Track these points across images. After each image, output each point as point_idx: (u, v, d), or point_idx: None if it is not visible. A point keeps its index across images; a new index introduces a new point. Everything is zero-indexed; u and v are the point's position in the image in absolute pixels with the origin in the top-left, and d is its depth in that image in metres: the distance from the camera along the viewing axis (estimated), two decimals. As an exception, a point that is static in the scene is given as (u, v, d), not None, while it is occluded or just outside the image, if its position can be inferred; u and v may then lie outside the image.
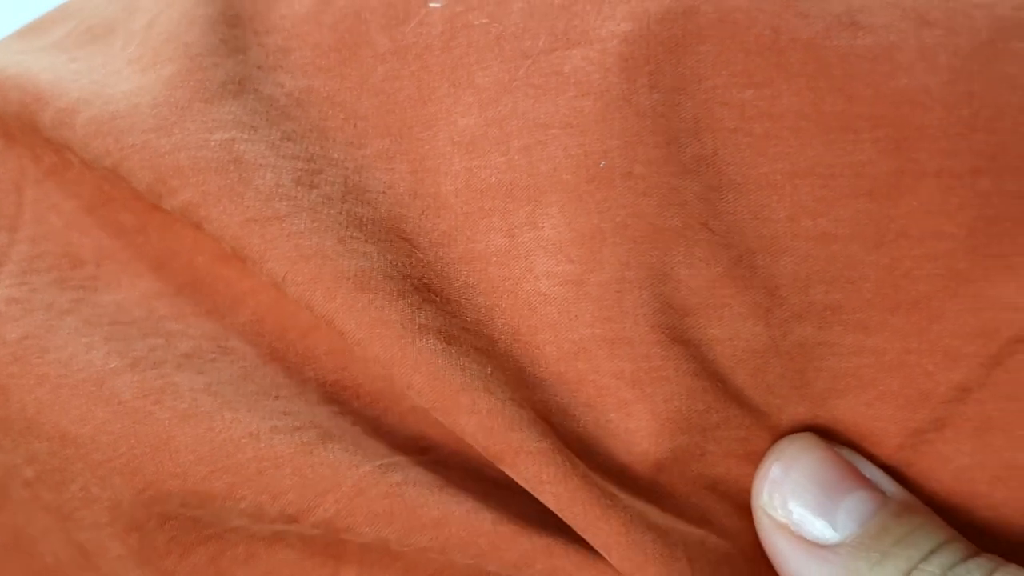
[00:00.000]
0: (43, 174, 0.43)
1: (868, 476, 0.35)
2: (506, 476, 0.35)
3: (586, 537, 0.33)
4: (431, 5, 0.39)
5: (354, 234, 0.37)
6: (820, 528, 0.33)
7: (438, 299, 0.36)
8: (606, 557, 0.33)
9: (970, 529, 0.35)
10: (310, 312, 0.35)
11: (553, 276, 0.35)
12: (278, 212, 0.36)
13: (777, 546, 0.34)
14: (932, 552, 0.32)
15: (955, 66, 0.33)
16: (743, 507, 0.37)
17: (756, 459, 0.36)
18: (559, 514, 0.33)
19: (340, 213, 0.37)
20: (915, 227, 0.34)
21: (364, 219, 0.37)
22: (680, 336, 0.35)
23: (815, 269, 0.35)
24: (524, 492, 0.34)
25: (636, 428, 0.35)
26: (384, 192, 0.38)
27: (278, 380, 0.39)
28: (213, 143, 0.37)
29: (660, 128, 0.35)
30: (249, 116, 0.39)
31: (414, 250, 0.37)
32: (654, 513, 0.35)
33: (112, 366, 0.37)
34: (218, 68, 0.40)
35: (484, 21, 0.38)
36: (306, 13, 0.41)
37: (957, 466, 0.35)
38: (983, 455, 0.35)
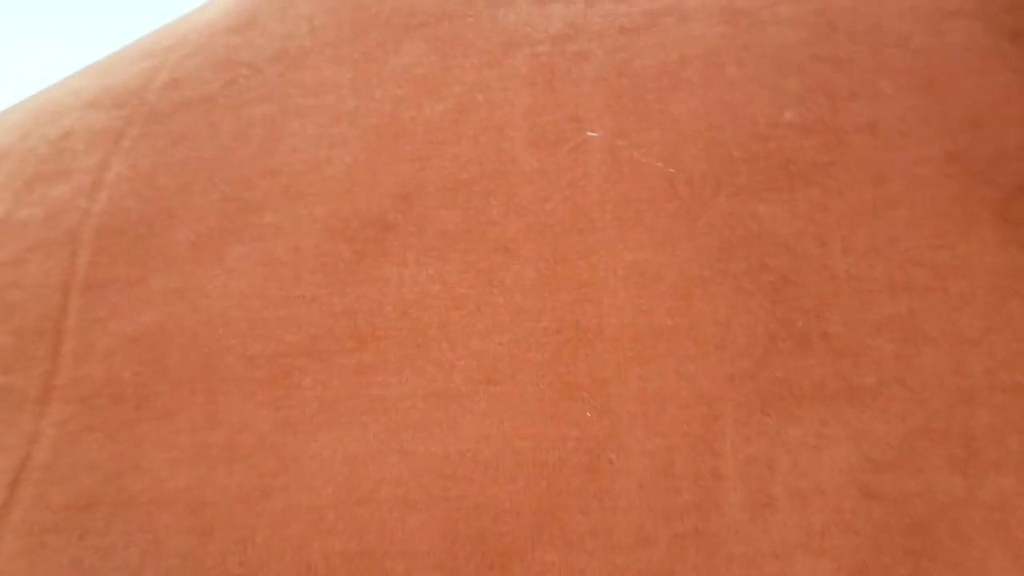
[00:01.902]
0: None
1: None
2: None
3: None
4: (588, 134, 0.42)
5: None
6: None
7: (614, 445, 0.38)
8: None
9: None
10: None
11: (745, 428, 0.37)
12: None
13: None
14: None
15: None
16: None
17: None
18: None
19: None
20: None
21: (533, 362, 0.40)
22: (875, 490, 0.36)
23: (1012, 420, 0.36)
24: None
25: None
26: (546, 328, 0.40)
27: None
28: (388, 307, 0.41)
29: (855, 289, 0.37)
30: (415, 268, 0.42)
31: (581, 393, 0.39)
32: None
33: None
34: (371, 211, 0.43)
35: (654, 160, 0.40)
36: (439, 120, 0.43)
37: None
38: None
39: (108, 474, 0.43)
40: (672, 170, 0.40)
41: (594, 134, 0.42)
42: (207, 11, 0.54)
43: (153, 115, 0.49)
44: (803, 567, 0.36)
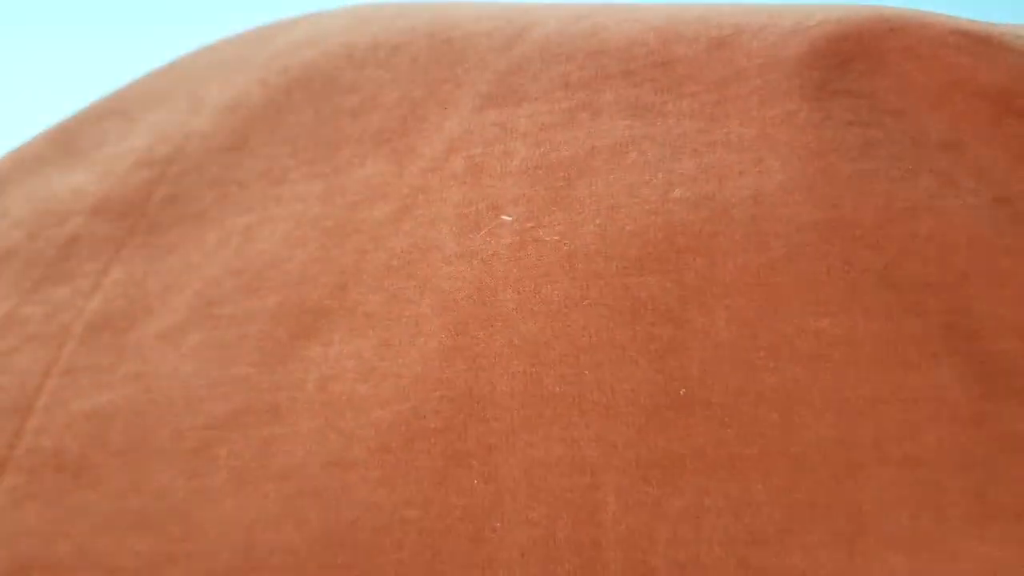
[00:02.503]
0: None
1: None
2: None
3: None
4: (503, 218, 0.43)
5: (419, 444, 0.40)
6: None
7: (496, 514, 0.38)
8: None
9: None
10: None
11: (626, 497, 0.37)
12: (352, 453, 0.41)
13: None
14: None
15: None
16: None
17: None
18: None
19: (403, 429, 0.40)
20: (1004, 451, 0.34)
21: (427, 430, 0.40)
22: (755, 565, 0.35)
23: (901, 494, 0.35)
24: None
25: None
26: (442, 396, 0.41)
27: None
28: (309, 383, 0.43)
29: (739, 358, 0.37)
30: (338, 346, 0.44)
31: (470, 460, 0.39)
32: None
33: None
34: (312, 298, 0.46)
35: (555, 238, 0.41)
36: (383, 218, 0.46)
37: None
38: None
39: (42, 539, 0.44)
40: (568, 245, 0.41)
41: (508, 218, 0.43)
42: (201, 116, 0.58)
43: (152, 228, 0.53)
44: None
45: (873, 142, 0.39)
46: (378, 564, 0.38)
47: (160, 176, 0.57)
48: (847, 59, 0.41)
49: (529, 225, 0.42)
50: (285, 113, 0.55)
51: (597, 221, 0.41)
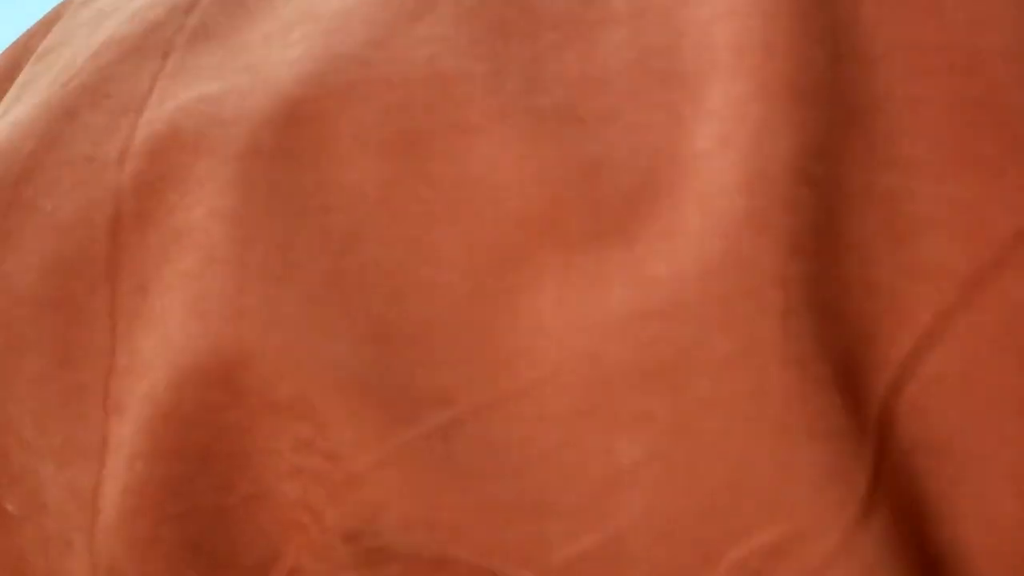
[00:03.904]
0: None
1: None
2: None
3: None
4: None
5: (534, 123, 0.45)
6: None
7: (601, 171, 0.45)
8: None
9: None
10: None
11: (708, 137, 0.44)
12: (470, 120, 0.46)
13: None
14: None
15: None
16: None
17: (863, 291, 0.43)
18: None
19: (526, 109, 0.45)
20: (989, 99, 0.40)
21: (543, 108, 0.45)
22: (811, 176, 0.43)
23: (904, 127, 0.43)
24: None
25: (760, 255, 0.40)
26: (557, 79, 0.46)
27: None
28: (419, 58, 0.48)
29: (795, 4, 0.44)
30: (442, 28, 0.47)
31: (583, 126, 0.45)
32: None
33: None
34: None
35: None
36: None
37: (1017, 300, 0.39)
38: None
39: None
40: None
41: None
42: None
43: None
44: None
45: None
46: (503, 209, 0.45)
47: None
48: None
49: None
50: None
51: None
